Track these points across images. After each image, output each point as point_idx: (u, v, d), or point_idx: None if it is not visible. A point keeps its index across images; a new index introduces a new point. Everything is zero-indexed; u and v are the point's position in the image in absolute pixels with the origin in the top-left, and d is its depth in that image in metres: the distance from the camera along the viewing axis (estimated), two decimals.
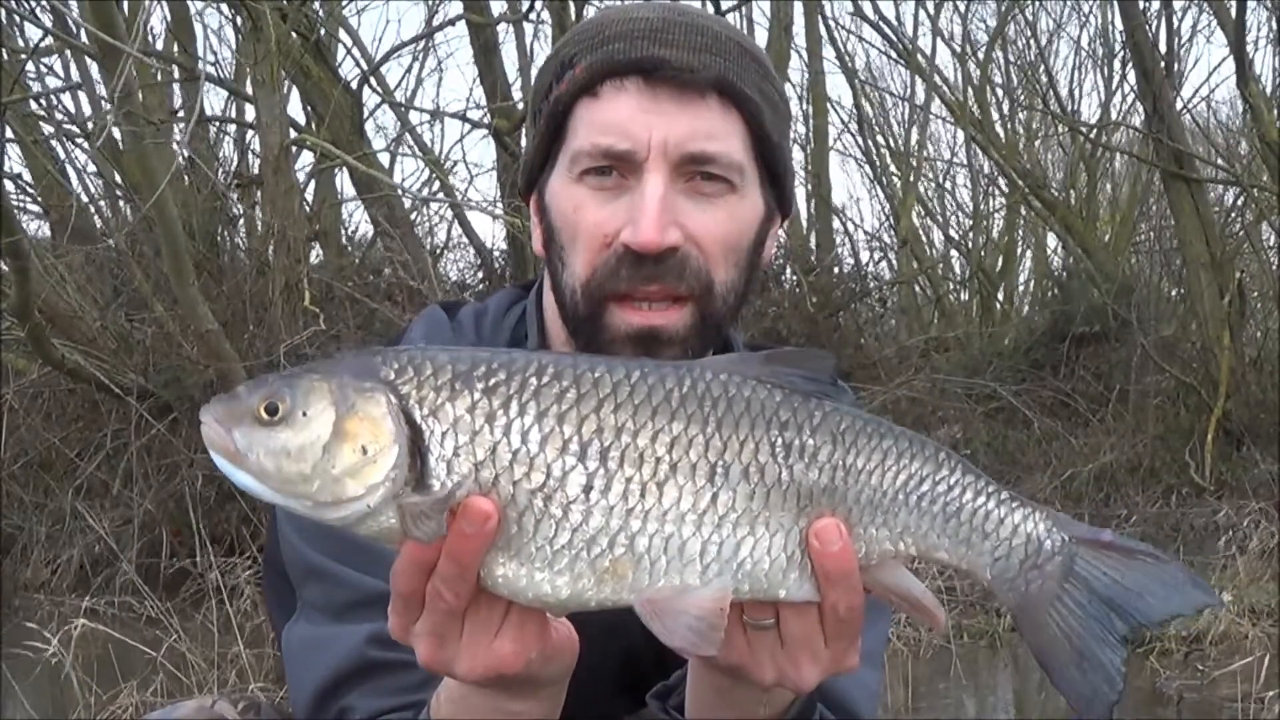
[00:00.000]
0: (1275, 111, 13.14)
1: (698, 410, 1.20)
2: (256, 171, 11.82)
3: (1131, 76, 15.05)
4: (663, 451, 1.18)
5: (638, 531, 1.18)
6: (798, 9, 15.29)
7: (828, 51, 17.14)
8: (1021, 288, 20.59)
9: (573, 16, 10.82)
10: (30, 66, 11.59)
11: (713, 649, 1.19)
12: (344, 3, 13.36)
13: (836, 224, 17.77)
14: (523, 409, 1.17)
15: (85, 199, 12.82)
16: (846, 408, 1.26)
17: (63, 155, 12.85)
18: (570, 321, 1.65)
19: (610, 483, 1.17)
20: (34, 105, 11.83)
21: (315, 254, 12.37)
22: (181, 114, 11.47)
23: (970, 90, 17.92)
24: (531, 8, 12.53)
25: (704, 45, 1.60)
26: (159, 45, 12.86)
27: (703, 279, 1.60)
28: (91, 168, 12.89)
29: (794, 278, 12.77)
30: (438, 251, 13.96)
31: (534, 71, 13.98)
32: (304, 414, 1.15)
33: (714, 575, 1.19)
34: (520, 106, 12.22)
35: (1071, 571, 1.28)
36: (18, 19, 10.25)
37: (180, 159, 9.78)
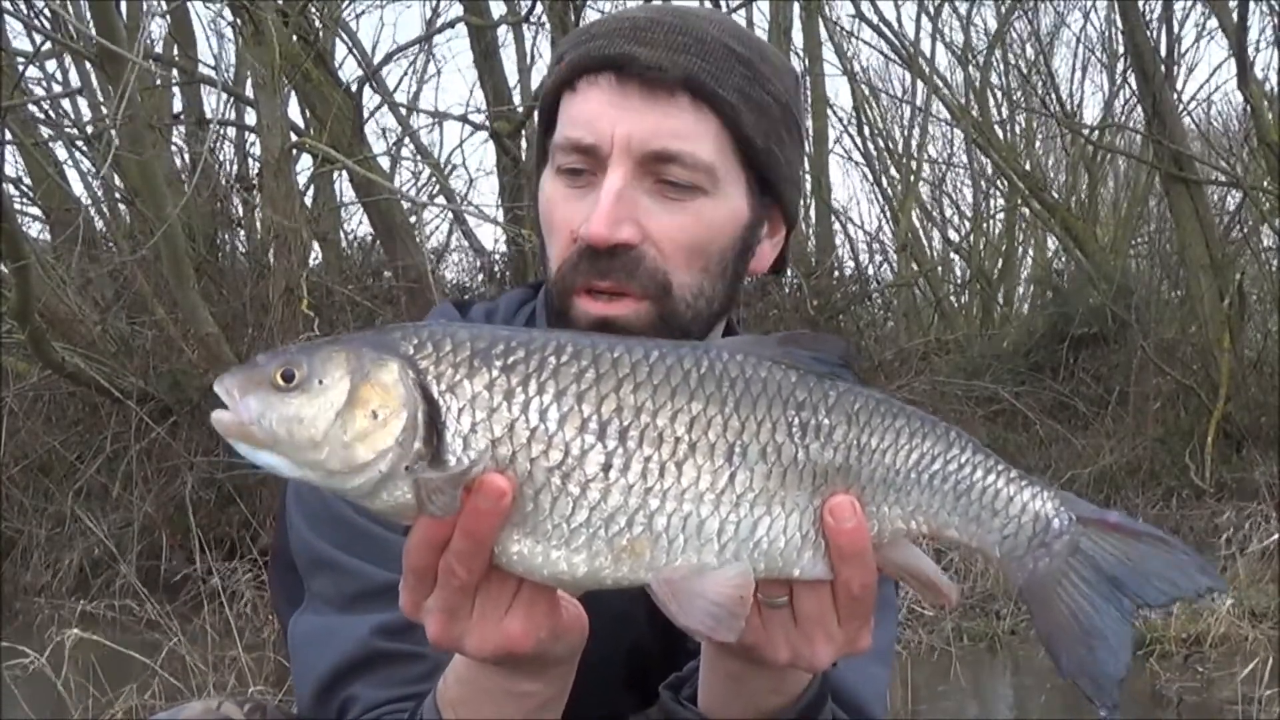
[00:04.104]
0: (1275, 113, 13.13)
1: (716, 390, 1.20)
2: (257, 174, 11.83)
3: (1132, 79, 15.06)
4: (681, 431, 1.18)
5: (656, 510, 1.18)
6: (797, 11, 15.32)
7: (828, 53, 17.19)
8: (1021, 290, 20.63)
9: (573, 18, 10.84)
10: (31, 70, 11.61)
11: (732, 636, 1.19)
12: (344, 5, 13.37)
13: (836, 226, 17.81)
14: (541, 387, 1.17)
15: (87, 201, 12.85)
16: (860, 388, 1.27)
17: (64, 157, 12.88)
18: (549, 315, 1.66)
19: (629, 461, 1.17)
20: (34, 109, 11.84)
21: (315, 257, 12.40)
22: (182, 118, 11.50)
23: (971, 92, 17.95)
24: (531, 10, 12.55)
25: (682, 45, 1.58)
26: (159, 49, 12.87)
27: (658, 280, 1.58)
28: (92, 170, 12.91)
29: (794, 280, 12.79)
30: (438, 254, 14.00)
31: (535, 75, 14.03)
32: (320, 381, 1.15)
33: (731, 554, 1.20)
34: (521, 109, 12.24)
35: (1078, 550, 1.28)
36: (20, 23, 10.27)
37: (180, 162, 9.80)
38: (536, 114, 1.74)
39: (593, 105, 1.59)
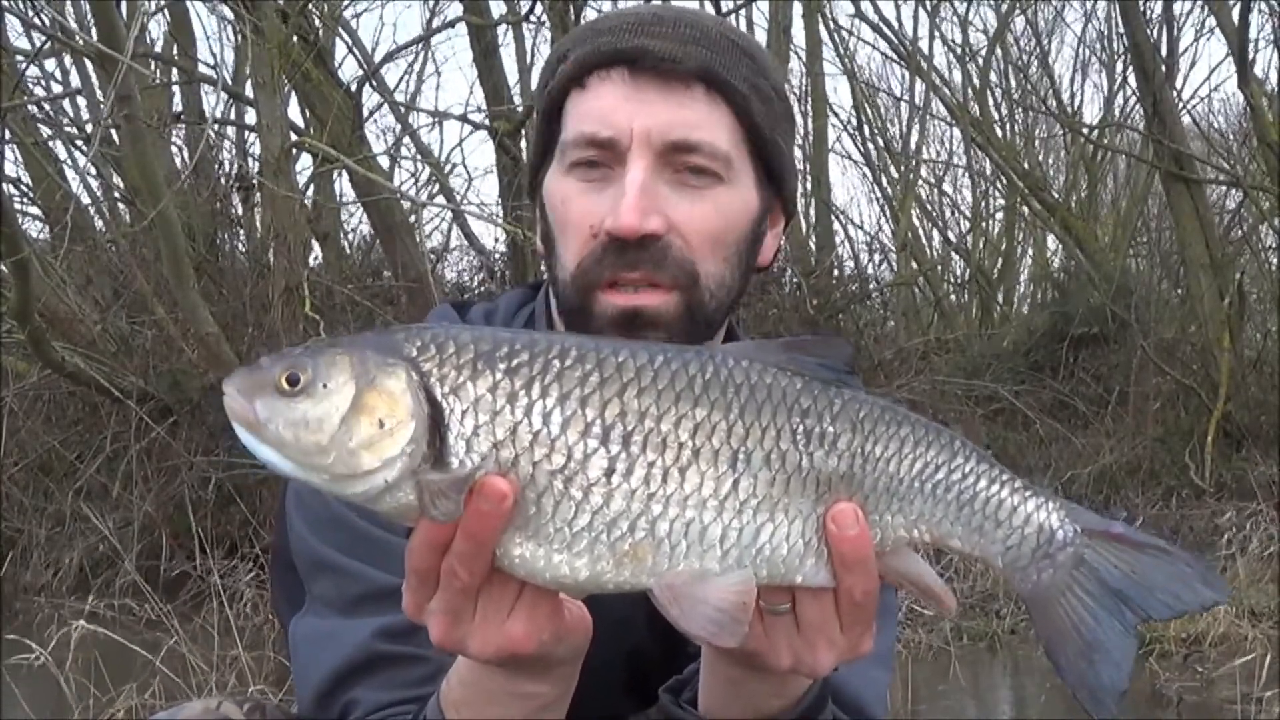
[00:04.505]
0: (1275, 113, 13.13)
1: (720, 396, 1.19)
2: (257, 174, 11.83)
3: (1132, 78, 15.05)
4: (685, 437, 1.18)
5: (658, 516, 1.17)
6: (797, 10, 15.32)
7: (827, 53, 17.18)
8: (1021, 289, 20.62)
9: (573, 17, 10.83)
10: (31, 70, 11.61)
11: (734, 642, 1.19)
12: (343, 4, 13.37)
13: (836, 225, 17.81)
14: (545, 391, 1.16)
15: (86, 200, 12.84)
16: (865, 395, 1.26)
17: (64, 157, 12.88)
18: (563, 314, 1.65)
19: (632, 467, 1.16)
20: (34, 109, 11.84)
21: (315, 257, 12.39)
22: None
23: (970, 91, 17.95)
24: (531, 10, 12.54)
25: (691, 37, 1.60)
26: (159, 48, 12.88)
27: (687, 269, 1.59)
28: (91, 170, 12.92)
29: (794, 279, 12.79)
30: (438, 254, 13.99)
31: (535, 73, 14.02)
32: (324, 386, 1.15)
33: (733, 561, 1.19)
34: (521, 109, 12.24)
35: (1082, 562, 1.28)
36: (19, 22, 10.27)
37: (179, 162, 9.80)
38: (537, 114, 1.73)
39: (607, 100, 1.60)
